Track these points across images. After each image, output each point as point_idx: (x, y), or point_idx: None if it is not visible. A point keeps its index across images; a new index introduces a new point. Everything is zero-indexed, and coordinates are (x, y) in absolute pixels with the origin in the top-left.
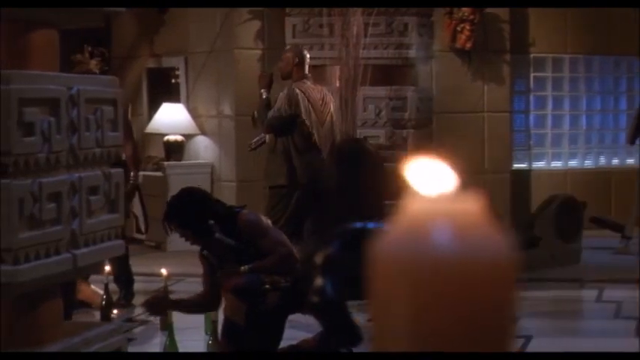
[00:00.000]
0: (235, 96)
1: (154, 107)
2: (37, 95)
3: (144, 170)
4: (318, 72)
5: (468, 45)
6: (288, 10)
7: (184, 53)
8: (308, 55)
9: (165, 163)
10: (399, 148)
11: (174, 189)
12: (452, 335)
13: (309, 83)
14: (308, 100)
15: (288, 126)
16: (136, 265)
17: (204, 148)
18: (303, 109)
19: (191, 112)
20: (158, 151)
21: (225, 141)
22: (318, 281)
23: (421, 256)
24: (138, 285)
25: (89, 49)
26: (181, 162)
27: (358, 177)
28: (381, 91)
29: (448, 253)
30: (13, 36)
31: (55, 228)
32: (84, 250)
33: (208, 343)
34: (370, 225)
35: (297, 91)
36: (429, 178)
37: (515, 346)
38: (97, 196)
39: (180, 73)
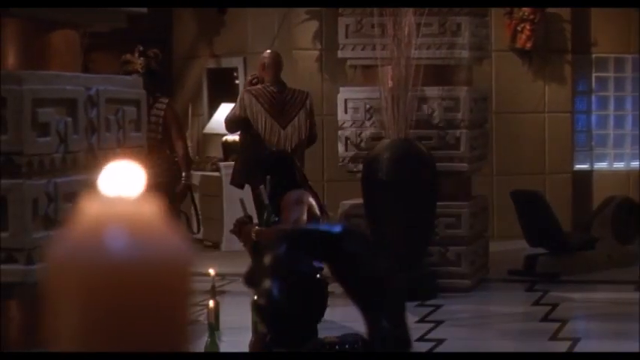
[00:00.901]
0: None
1: (214, 107)
2: (53, 96)
3: (202, 170)
4: (370, 72)
5: (529, 45)
6: (340, 10)
7: (243, 54)
8: (280, 60)
9: (222, 163)
10: (452, 149)
11: (229, 189)
12: (121, 336)
13: (270, 88)
14: (260, 104)
15: (240, 127)
16: None
17: None
18: (248, 113)
19: None
20: (217, 152)
21: None
22: (266, 283)
23: (92, 257)
24: None
25: (140, 49)
26: None
27: (409, 176)
28: (433, 91)
29: (119, 255)
30: (32, 37)
31: None
32: None
33: (251, 342)
34: (327, 227)
35: (246, 95)
36: (119, 179)
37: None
38: None
39: (239, 73)
